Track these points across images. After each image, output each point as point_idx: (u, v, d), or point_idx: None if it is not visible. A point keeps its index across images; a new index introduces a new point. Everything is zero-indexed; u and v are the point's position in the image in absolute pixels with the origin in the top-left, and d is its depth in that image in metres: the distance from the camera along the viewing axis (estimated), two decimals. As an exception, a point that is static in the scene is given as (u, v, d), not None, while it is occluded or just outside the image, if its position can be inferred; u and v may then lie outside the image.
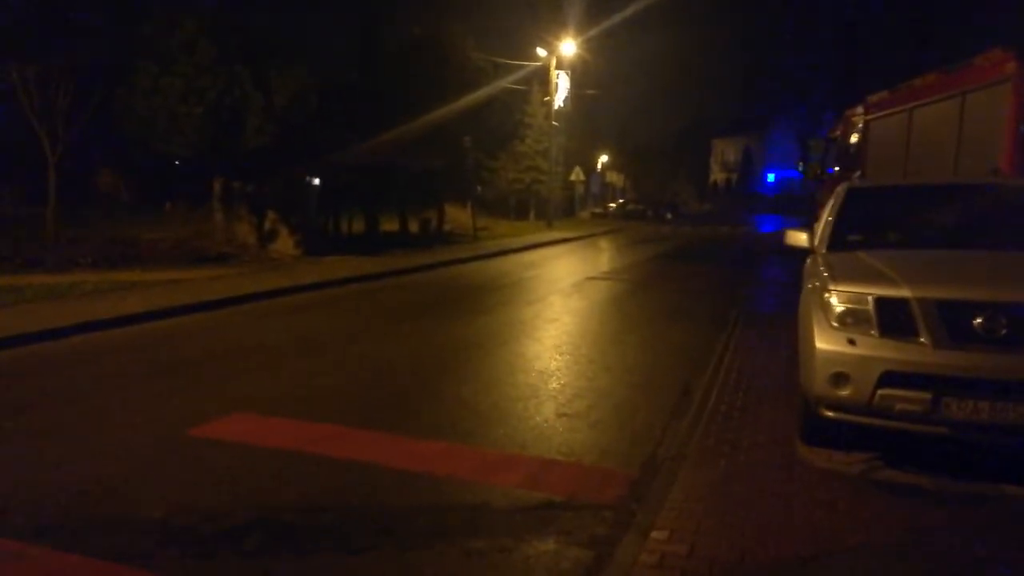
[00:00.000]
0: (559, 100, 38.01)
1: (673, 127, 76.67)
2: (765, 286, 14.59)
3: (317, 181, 21.65)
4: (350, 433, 5.52)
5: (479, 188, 31.63)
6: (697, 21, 76.04)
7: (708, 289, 14.55)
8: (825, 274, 4.77)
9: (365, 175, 22.15)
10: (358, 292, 13.56)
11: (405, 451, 5.14)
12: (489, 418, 5.88)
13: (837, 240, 5.69)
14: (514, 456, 5.06)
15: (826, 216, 6.17)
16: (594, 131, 54.87)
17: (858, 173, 12.51)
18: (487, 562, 3.59)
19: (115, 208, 26.83)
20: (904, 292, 4.26)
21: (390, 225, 26.19)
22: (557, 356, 8.12)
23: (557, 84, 36.88)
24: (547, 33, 36.09)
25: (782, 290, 12.34)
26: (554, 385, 6.88)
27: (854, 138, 13.91)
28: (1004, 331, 4.00)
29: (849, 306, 4.40)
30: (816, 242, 5.96)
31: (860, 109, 13.52)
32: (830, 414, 4.41)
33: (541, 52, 35.60)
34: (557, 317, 10.67)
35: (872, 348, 4.23)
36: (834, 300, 4.47)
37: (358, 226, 24.78)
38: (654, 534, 3.65)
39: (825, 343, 4.38)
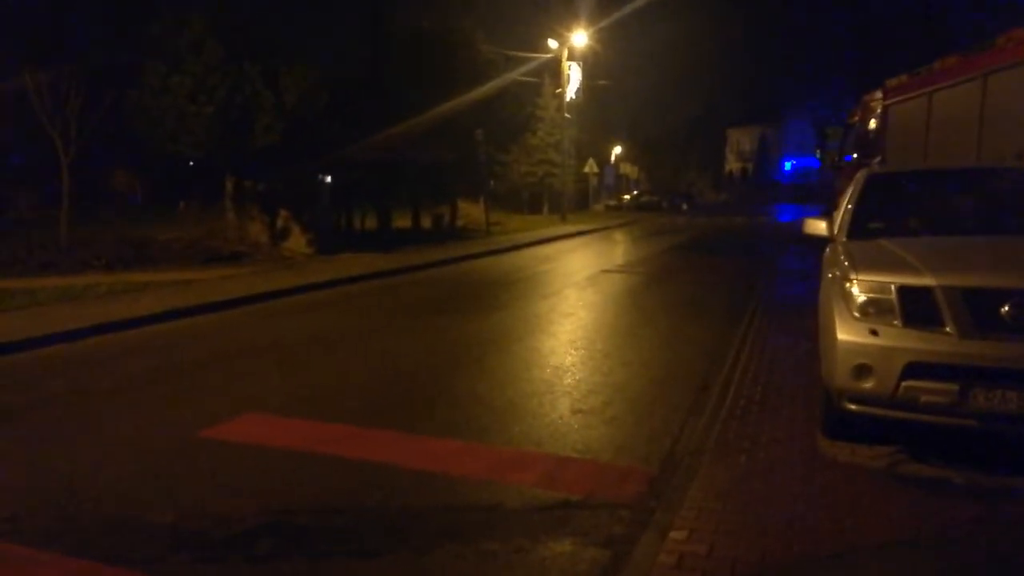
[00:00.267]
0: (571, 92, 37.78)
1: (686, 117, 75.97)
2: (783, 277, 14.39)
3: (329, 178, 21.62)
4: (363, 433, 5.46)
5: (492, 182, 31.49)
6: (709, 8, 75.24)
7: (725, 281, 14.36)
8: (846, 263, 4.65)
9: (376, 171, 22.07)
10: (371, 289, 13.52)
11: (419, 450, 5.08)
12: (504, 415, 5.81)
13: (857, 228, 5.54)
14: (530, 454, 4.98)
15: (845, 204, 6.01)
16: (607, 123, 54.44)
17: (878, 159, 12.29)
18: (503, 563, 3.52)
19: (129, 208, 27.00)
20: (928, 280, 4.13)
21: (403, 221, 26.15)
22: (572, 351, 8.02)
23: (569, 76, 36.62)
24: (558, 24, 35.91)
25: (801, 281, 12.16)
26: (569, 381, 6.79)
27: (873, 124, 13.66)
28: (1033, 319, 3.86)
29: (871, 296, 4.27)
30: (836, 230, 5.80)
31: (879, 94, 13.28)
32: (853, 407, 4.29)
33: (552, 44, 35.35)
34: (572, 311, 10.57)
35: (896, 339, 4.10)
36: (856, 290, 4.35)
37: (371, 223, 24.76)
38: (673, 534, 3.56)
39: (847, 334, 4.26)
